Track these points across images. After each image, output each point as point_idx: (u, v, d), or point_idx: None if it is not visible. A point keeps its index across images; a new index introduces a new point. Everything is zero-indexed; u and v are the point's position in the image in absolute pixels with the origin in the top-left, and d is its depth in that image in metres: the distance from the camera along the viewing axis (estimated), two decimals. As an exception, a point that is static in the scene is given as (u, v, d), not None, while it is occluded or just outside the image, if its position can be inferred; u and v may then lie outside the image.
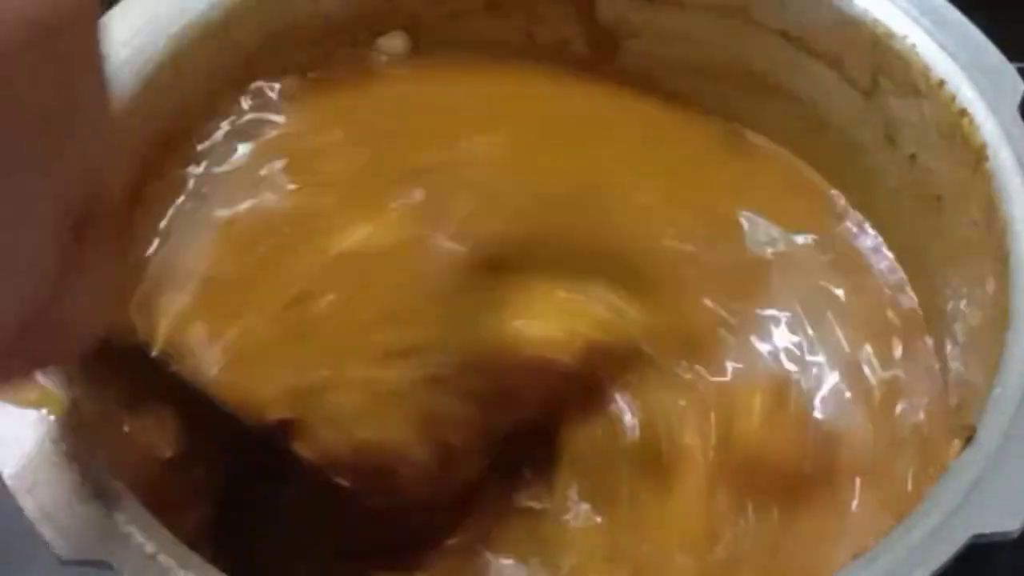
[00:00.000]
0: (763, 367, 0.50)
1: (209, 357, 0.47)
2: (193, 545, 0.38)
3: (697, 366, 0.49)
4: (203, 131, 0.51)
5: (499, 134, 0.54)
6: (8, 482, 0.38)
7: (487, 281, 0.50)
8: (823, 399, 0.49)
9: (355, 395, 0.47)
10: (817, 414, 0.49)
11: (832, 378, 0.50)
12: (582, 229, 0.52)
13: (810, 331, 0.51)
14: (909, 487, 0.46)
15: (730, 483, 0.47)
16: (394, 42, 0.55)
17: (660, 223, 0.52)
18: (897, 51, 0.48)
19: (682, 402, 0.48)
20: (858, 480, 0.47)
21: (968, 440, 0.40)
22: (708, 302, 0.51)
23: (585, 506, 0.47)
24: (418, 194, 0.52)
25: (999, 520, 0.37)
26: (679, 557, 0.46)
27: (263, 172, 0.51)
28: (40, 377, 0.40)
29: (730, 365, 0.50)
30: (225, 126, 0.52)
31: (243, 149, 0.52)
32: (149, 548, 0.37)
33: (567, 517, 0.47)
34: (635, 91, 0.55)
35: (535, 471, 0.48)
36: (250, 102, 0.52)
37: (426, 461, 0.47)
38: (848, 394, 0.49)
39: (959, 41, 0.48)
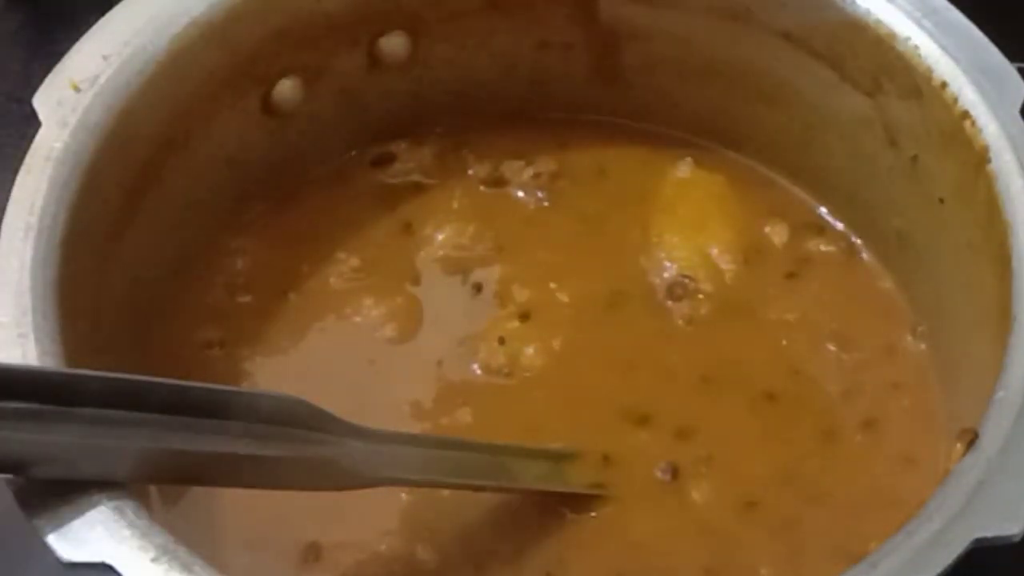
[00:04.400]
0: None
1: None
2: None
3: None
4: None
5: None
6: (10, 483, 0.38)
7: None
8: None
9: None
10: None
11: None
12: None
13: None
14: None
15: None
16: (394, 42, 0.55)
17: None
18: (899, 52, 0.48)
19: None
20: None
21: (970, 444, 0.40)
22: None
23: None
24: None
25: (1001, 524, 0.37)
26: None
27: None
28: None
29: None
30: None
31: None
32: (151, 550, 0.37)
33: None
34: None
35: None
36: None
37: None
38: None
39: (961, 43, 0.48)
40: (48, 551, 0.37)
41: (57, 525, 0.37)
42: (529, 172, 0.57)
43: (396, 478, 0.44)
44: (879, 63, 0.49)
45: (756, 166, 0.57)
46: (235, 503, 0.47)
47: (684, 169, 0.56)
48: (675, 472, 0.48)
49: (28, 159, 0.45)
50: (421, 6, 0.54)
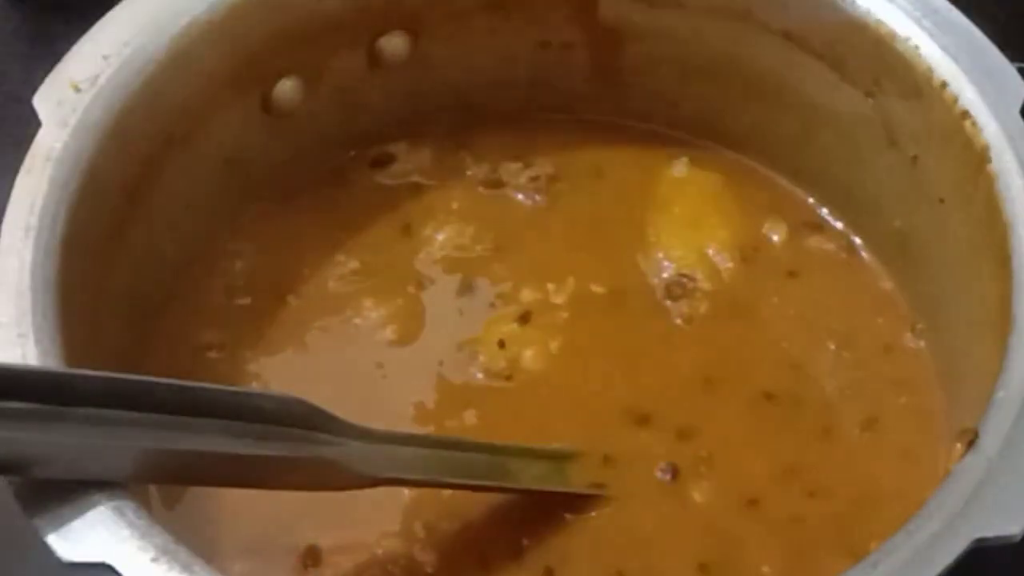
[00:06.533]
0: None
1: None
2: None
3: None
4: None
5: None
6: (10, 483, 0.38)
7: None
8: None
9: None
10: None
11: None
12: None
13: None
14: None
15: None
16: (394, 42, 0.55)
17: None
18: (899, 53, 0.49)
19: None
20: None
21: (970, 444, 0.40)
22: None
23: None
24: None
25: (1001, 524, 0.37)
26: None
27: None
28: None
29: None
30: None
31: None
32: (151, 550, 0.37)
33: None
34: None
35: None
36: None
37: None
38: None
39: (962, 43, 0.48)
40: (48, 551, 0.37)
41: (57, 525, 0.37)
42: (526, 175, 0.57)
43: (396, 478, 0.44)
44: (879, 63, 0.50)
45: (755, 166, 0.57)
46: (235, 504, 0.47)
47: (680, 168, 0.56)
48: (675, 472, 0.48)
49: (28, 159, 0.45)
50: (421, 6, 0.54)
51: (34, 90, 0.46)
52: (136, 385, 0.38)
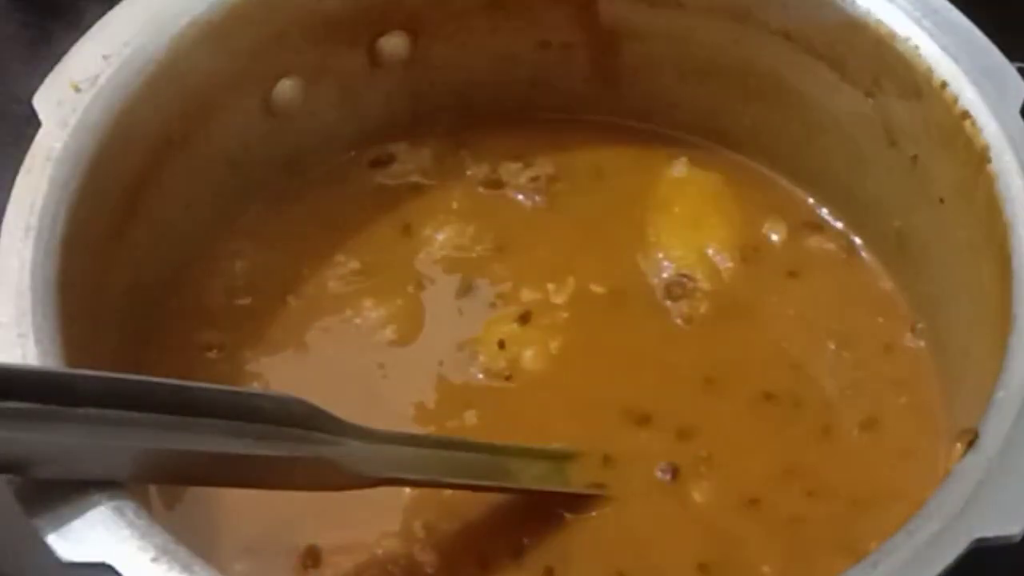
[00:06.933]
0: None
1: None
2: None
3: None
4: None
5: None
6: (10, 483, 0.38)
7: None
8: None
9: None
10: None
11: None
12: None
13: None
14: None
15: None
16: (394, 42, 0.55)
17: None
18: (899, 53, 0.49)
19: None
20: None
21: (971, 444, 0.40)
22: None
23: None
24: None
25: (1002, 524, 0.37)
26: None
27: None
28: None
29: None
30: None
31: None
32: (151, 550, 0.37)
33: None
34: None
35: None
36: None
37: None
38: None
39: (962, 43, 0.48)
40: (48, 551, 0.37)
41: (57, 525, 0.37)
42: (526, 175, 0.57)
43: (396, 478, 0.44)
44: (879, 63, 0.50)
45: (755, 166, 0.57)
46: (235, 505, 0.47)
47: (680, 168, 0.56)
48: (675, 472, 0.48)
49: (28, 159, 0.45)
50: (421, 6, 0.54)
51: (34, 90, 0.46)
52: (136, 385, 0.38)
